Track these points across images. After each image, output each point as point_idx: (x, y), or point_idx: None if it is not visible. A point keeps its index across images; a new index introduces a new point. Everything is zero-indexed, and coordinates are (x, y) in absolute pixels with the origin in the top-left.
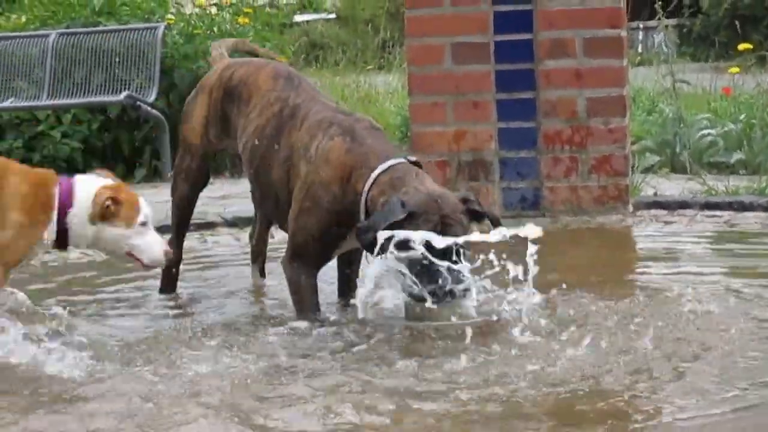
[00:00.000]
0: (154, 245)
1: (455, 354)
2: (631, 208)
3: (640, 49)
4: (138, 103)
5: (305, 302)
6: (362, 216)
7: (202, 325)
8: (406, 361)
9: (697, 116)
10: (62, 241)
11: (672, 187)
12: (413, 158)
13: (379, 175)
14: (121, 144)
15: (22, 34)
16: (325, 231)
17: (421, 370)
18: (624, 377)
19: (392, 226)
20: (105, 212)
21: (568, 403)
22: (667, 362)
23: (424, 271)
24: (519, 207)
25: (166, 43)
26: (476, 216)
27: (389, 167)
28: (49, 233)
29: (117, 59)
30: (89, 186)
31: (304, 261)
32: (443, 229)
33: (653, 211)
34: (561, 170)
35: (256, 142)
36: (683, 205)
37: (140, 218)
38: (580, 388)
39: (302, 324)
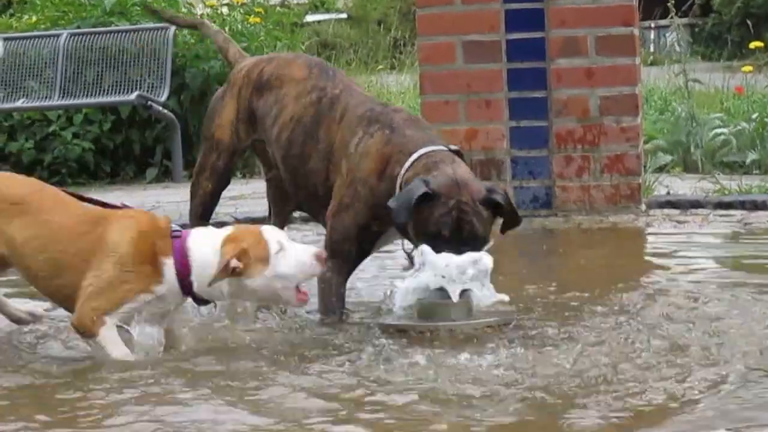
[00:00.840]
0: (302, 257)
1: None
2: (643, 207)
3: (652, 49)
4: (149, 103)
5: (332, 302)
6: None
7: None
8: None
9: (709, 115)
10: (196, 299)
11: (685, 186)
12: (454, 147)
13: (415, 160)
14: (132, 144)
15: (34, 34)
16: (363, 228)
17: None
18: (635, 375)
19: (415, 205)
20: (234, 272)
21: (580, 402)
22: (677, 361)
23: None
24: (531, 206)
25: (177, 44)
26: (497, 207)
27: (426, 153)
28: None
29: (128, 59)
30: (205, 244)
31: (339, 259)
32: (458, 215)
33: (666, 211)
34: (573, 169)
35: (293, 130)
36: (696, 204)
37: (273, 251)
38: (588, 386)
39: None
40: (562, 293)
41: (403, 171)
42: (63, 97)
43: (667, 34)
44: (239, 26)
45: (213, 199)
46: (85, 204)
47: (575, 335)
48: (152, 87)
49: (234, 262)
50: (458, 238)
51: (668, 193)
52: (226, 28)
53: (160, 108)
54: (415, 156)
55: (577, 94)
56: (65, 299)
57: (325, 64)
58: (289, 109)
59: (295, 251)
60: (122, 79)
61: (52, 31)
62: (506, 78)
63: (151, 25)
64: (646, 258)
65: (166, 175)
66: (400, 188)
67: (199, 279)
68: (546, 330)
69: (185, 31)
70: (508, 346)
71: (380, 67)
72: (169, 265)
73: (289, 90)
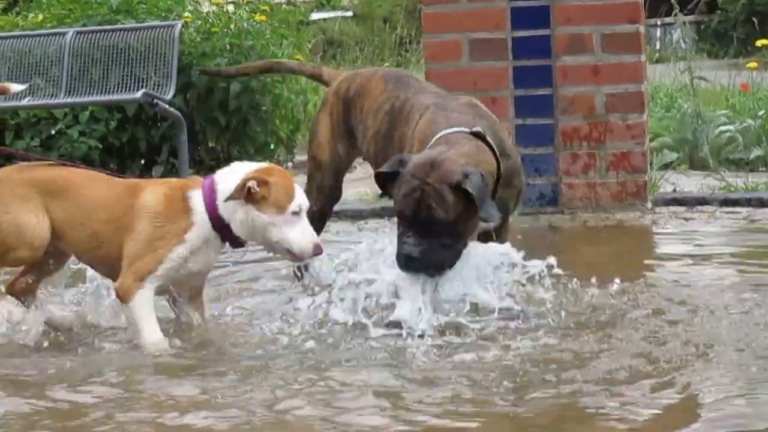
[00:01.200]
0: (304, 236)
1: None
2: (649, 204)
3: (658, 46)
4: (155, 101)
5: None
6: None
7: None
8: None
9: (715, 112)
10: (227, 236)
11: (691, 183)
12: (476, 129)
13: (432, 143)
14: (138, 142)
15: (40, 32)
16: None
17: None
18: (640, 369)
19: (387, 176)
20: (251, 195)
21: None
22: (683, 357)
23: None
24: (537, 203)
25: (183, 41)
26: (467, 195)
27: (444, 134)
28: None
29: (134, 57)
30: (234, 174)
31: None
32: (419, 196)
33: (672, 208)
34: (579, 166)
35: (377, 143)
36: (702, 201)
37: (293, 206)
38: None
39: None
40: (569, 290)
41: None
42: (69, 95)
43: (672, 32)
44: (245, 24)
45: (322, 217)
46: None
47: (581, 332)
48: (158, 85)
49: (253, 184)
50: (416, 220)
51: (674, 191)
52: (232, 26)
53: (167, 106)
54: (434, 139)
55: (583, 91)
56: (111, 270)
57: (402, 74)
58: (370, 124)
59: (306, 227)
60: (128, 77)
61: (58, 29)
62: (512, 75)
63: (157, 23)
64: (652, 255)
65: (172, 173)
66: None
67: (221, 199)
68: (551, 325)
69: (191, 29)
70: (514, 342)
71: (386, 64)
72: (197, 198)
73: (369, 105)
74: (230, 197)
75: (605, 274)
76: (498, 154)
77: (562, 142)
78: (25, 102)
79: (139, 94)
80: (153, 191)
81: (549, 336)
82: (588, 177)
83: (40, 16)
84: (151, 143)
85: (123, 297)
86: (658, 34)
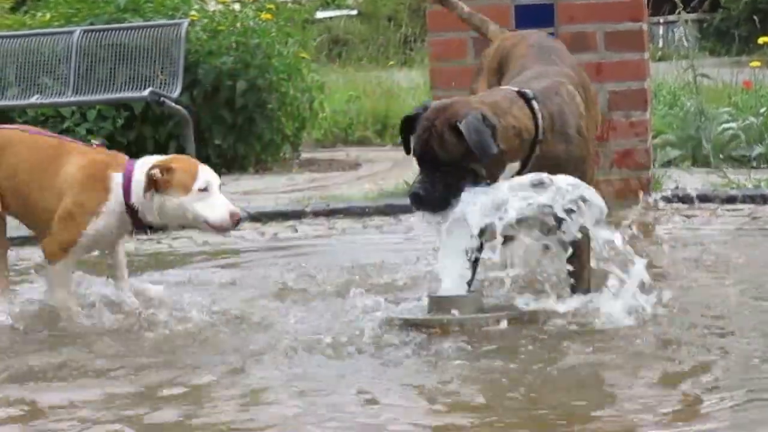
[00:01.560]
0: (216, 208)
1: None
2: (652, 201)
3: (660, 44)
4: (162, 99)
5: None
6: None
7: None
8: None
9: (718, 110)
10: (137, 221)
11: (693, 180)
12: (525, 90)
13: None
14: (145, 140)
15: (47, 31)
16: None
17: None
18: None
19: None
20: (155, 183)
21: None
22: (690, 351)
23: None
24: None
25: (189, 40)
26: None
27: (498, 89)
28: (108, 215)
29: (141, 56)
30: (144, 166)
31: None
32: (426, 137)
33: (675, 205)
34: None
35: None
36: (705, 198)
37: (198, 184)
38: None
39: None
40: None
41: None
42: (76, 93)
43: (675, 30)
44: (251, 23)
45: None
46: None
47: (590, 328)
48: (165, 83)
49: (156, 173)
50: (424, 160)
51: (677, 188)
52: (238, 24)
53: (173, 104)
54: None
55: None
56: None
57: (549, 46)
58: None
59: (218, 200)
60: (135, 76)
61: (66, 28)
62: None
63: (164, 21)
64: (657, 251)
65: None
66: None
67: (135, 190)
68: (558, 322)
69: (197, 27)
70: (527, 340)
71: (391, 63)
72: (117, 181)
73: (509, 69)
74: (145, 191)
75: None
76: (540, 121)
77: None
78: (33, 100)
79: (146, 92)
80: (77, 160)
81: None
82: None
83: (48, 15)
84: (158, 141)
85: (48, 257)
86: (661, 32)
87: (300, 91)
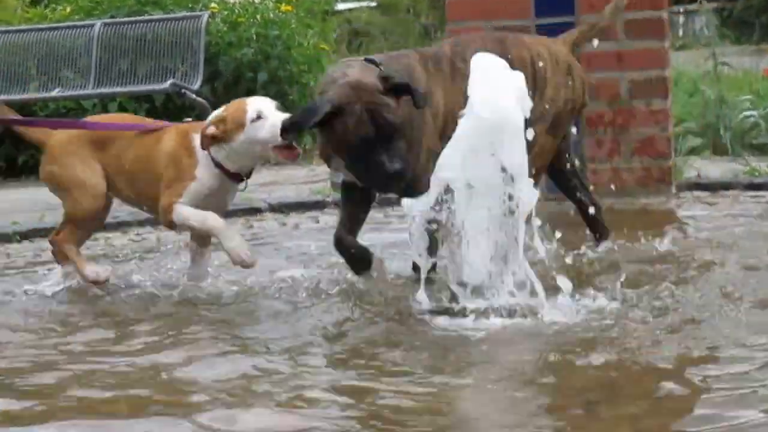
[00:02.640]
0: (275, 129)
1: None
2: (674, 189)
3: (681, 33)
4: (183, 90)
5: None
6: None
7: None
8: None
9: (738, 98)
10: (227, 172)
11: (714, 168)
12: (372, 56)
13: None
14: None
15: (68, 24)
16: None
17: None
18: (672, 349)
19: (321, 123)
20: (215, 138)
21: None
22: (713, 339)
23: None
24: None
25: (210, 32)
26: (399, 90)
27: (340, 63)
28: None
29: (162, 48)
30: (210, 119)
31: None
32: (372, 115)
33: (696, 193)
34: (604, 152)
35: None
36: (726, 186)
37: (249, 116)
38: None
39: None
40: (595, 272)
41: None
42: (97, 86)
43: (695, 19)
44: (271, 14)
45: None
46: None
47: (612, 312)
48: (186, 75)
49: (211, 129)
50: (380, 136)
51: (698, 175)
52: (258, 16)
53: (194, 96)
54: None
55: (607, 77)
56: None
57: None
58: None
59: (273, 119)
60: (156, 68)
61: (86, 21)
62: None
63: (184, 13)
64: (678, 238)
65: None
66: None
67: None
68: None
69: (218, 19)
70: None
71: None
72: (196, 143)
73: None
74: (209, 147)
75: (632, 255)
76: (385, 78)
77: (587, 128)
78: (54, 93)
79: (167, 84)
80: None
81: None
82: (613, 162)
83: (68, 9)
84: None
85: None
86: (681, 21)
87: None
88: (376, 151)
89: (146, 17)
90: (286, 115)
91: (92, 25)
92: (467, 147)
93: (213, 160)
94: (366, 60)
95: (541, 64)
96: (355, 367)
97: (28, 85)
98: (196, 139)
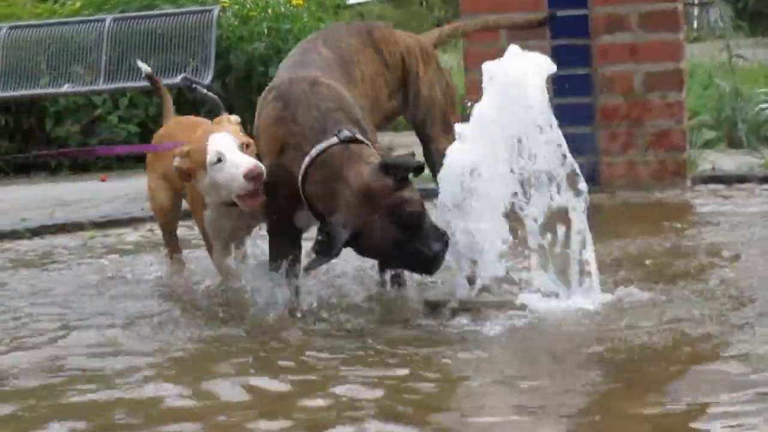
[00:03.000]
0: (233, 176)
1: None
2: (689, 182)
3: (695, 26)
4: (194, 85)
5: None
6: (303, 200)
7: None
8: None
9: (753, 90)
10: None
11: (729, 161)
12: (344, 134)
13: (308, 167)
14: None
15: (78, 19)
16: (274, 198)
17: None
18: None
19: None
20: (182, 176)
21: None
22: (731, 333)
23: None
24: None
25: (221, 26)
26: (406, 177)
27: (317, 157)
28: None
29: (172, 43)
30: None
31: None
32: (395, 219)
33: (711, 186)
34: (618, 145)
35: None
36: (741, 179)
37: (209, 159)
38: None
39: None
40: (614, 265)
41: (300, 177)
42: (108, 81)
43: (710, 11)
44: (282, 8)
45: None
46: None
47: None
48: (197, 70)
49: (177, 162)
50: (409, 231)
51: (713, 168)
52: (269, 10)
53: (205, 90)
54: (307, 161)
55: (621, 70)
56: None
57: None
58: None
59: (230, 165)
60: (167, 62)
61: (97, 16)
62: (550, 55)
63: (195, 8)
64: (694, 231)
65: None
66: (303, 192)
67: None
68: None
69: (229, 13)
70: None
71: None
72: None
73: None
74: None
75: (647, 251)
76: (386, 167)
77: (602, 121)
78: (64, 89)
79: (178, 79)
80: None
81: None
82: (627, 156)
83: (78, 3)
84: None
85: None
86: (696, 13)
87: None
88: (411, 244)
89: (157, 12)
90: (247, 158)
91: (102, 20)
92: (480, 137)
93: None
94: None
95: (412, 60)
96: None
97: (38, 81)
98: None
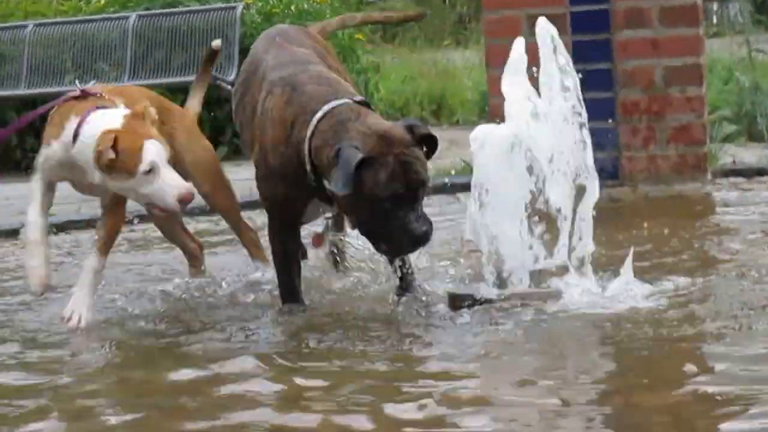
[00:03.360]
0: (164, 192)
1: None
2: (709, 176)
3: (715, 20)
4: (218, 82)
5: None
6: (308, 167)
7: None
8: None
9: None
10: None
11: (750, 154)
12: (359, 97)
13: (319, 121)
14: (202, 123)
15: (103, 16)
16: (285, 198)
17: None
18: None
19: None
20: (104, 164)
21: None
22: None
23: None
24: (599, 177)
25: (244, 23)
26: (428, 141)
27: (328, 111)
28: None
29: (196, 39)
30: (98, 124)
31: (279, 230)
32: (404, 168)
33: (731, 179)
34: (639, 140)
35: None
36: (761, 172)
37: (143, 167)
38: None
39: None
40: (639, 259)
41: (308, 135)
42: (133, 77)
43: (729, 6)
44: (305, 5)
45: None
46: None
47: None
48: (221, 66)
49: (109, 154)
50: (411, 191)
51: (734, 162)
52: (292, 7)
53: (229, 87)
54: (317, 116)
55: (642, 64)
56: None
57: (282, 31)
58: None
59: (164, 181)
60: (191, 59)
61: (122, 13)
62: (571, 50)
63: (220, 5)
64: (714, 224)
65: (236, 153)
66: (310, 157)
67: (78, 148)
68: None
69: (252, 10)
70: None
71: (446, 43)
72: (72, 124)
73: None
74: (97, 164)
75: (668, 244)
76: (410, 128)
77: (623, 116)
78: (90, 86)
79: None
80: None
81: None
82: (648, 150)
83: (103, 1)
84: (215, 125)
85: None
86: (715, 8)
87: (355, 72)
88: (403, 210)
89: (181, 9)
90: (180, 179)
91: (127, 17)
92: (500, 135)
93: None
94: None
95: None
96: None
97: (63, 78)
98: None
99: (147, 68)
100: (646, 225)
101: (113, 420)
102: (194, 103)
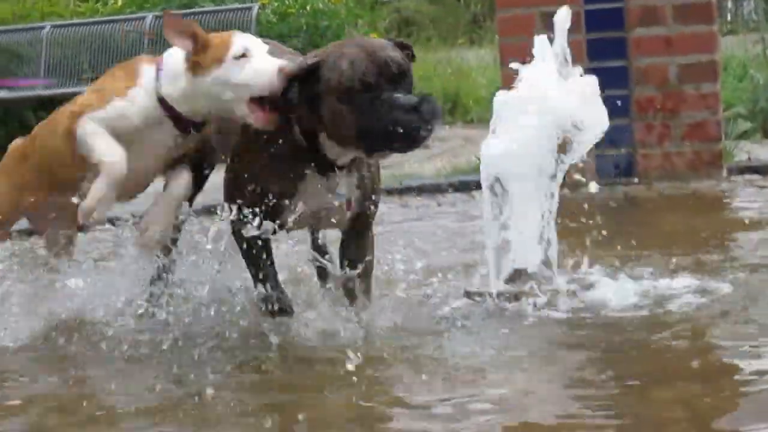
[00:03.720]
0: (259, 70)
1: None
2: (724, 173)
3: (729, 18)
4: None
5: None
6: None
7: None
8: None
9: None
10: (167, 109)
11: (765, 152)
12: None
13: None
14: None
15: (119, 17)
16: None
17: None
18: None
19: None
20: (187, 62)
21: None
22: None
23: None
24: (613, 174)
25: (260, 23)
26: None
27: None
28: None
29: None
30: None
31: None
32: (373, 58)
33: (747, 176)
34: (654, 137)
35: None
36: None
37: (233, 52)
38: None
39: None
40: (647, 257)
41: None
42: None
43: (744, 3)
44: (320, 5)
45: None
46: None
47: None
48: None
49: (188, 44)
50: (388, 75)
51: (749, 159)
52: (308, 7)
53: None
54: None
55: (656, 62)
56: None
57: None
58: None
59: (260, 61)
60: None
61: (138, 14)
62: (586, 48)
63: (235, 5)
64: (730, 221)
65: None
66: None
67: (166, 75)
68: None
69: (268, 10)
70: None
71: (460, 41)
72: (148, 71)
73: None
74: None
75: (683, 239)
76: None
77: (637, 113)
78: None
79: None
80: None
81: None
82: (663, 147)
83: (120, 2)
84: None
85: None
86: (729, 5)
87: None
88: (384, 93)
89: (197, 9)
90: (279, 61)
91: (143, 18)
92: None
93: (158, 92)
94: None
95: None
96: None
97: (80, 79)
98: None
99: None
100: (661, 221)
101: None
102: None
